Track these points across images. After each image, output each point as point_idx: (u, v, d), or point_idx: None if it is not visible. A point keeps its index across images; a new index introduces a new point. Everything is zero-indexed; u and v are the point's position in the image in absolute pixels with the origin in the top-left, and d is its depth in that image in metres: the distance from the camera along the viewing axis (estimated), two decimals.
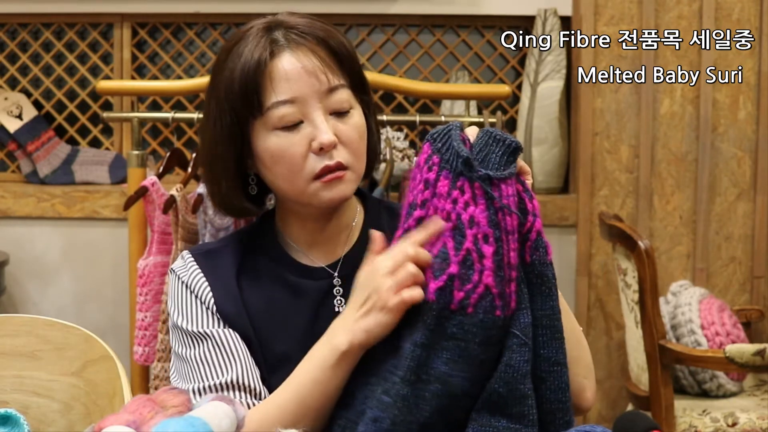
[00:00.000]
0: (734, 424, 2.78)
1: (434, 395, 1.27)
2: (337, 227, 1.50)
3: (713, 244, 3.44)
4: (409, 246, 1.30)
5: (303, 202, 1.44)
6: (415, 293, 1.28)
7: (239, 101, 1.41)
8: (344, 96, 1.43)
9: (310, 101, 1.40)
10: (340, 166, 1.41)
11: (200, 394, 1.40)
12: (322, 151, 1.40)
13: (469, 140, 1.32)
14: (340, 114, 1.43)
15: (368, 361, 1.33)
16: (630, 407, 3.06)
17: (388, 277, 1.29)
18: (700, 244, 3.43)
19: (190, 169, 2.55)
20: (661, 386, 2.77)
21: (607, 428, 1.21)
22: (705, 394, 2.96)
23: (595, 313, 3.46)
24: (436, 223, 1.29)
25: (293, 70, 1.40)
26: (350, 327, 1.32)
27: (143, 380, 2.68)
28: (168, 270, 1.55)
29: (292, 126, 1.41)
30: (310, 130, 1.41)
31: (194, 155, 2.59)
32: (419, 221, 1.31)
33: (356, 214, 1.52)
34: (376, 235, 1.36)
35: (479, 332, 1.26)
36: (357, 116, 1.45)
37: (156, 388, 2.51)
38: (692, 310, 2.98)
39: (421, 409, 1.27)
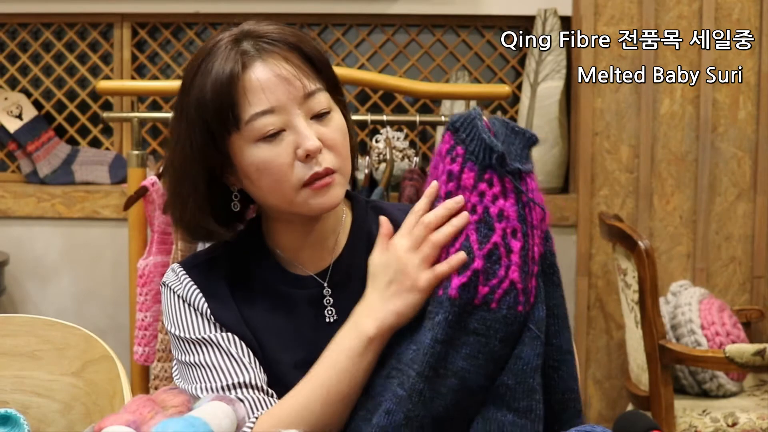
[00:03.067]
0: (734, 424, 2.78)
1: (450, 390, 1.26)
2: (323, 232, 1.47)
3: (713, 244, 3.44)
4: (426, 218, 1.29)
5: (293, 212, 1.42)
6: (447, 267, 1.27)
7: (213, 118, 1.37)
8: (323, 99, 1.40)
9: (289, 109, 1.37)
10: (329, 171, 1.38)
11: (210, 393, 1.38)
12: (309, 158, 1.37)
13: (492, 130, 1.30)
14: (320, 118, 1.40)
15: (389, 352, 1.32)
16: (630, 407, 3.06)
17: (413, 254, 1.28)
18: (700, 244, 3.43)
19: None
20: (661, 386, 2.77)
21: (607, 428, 1.21)
22: (705, 394, 2.96)
23: (595, 313, 3.46)
24: (457, 201, 1.28)
25: (268, 80, 1.37)
26: (378, 311, 1.30)
27: (143, 380, 2.69)
28: (160, 284, 1.51)
29: (274, 136, 1.37)
30: (293, 137, 1.37)
31: (165, 159, 2.58)
32: None
33: (343, 216, 1.49)
34: (383, 220, 1.35)
35: (501, 328, 1.25)
36: (338, 118, 1.42)
37: (156, 388, 2.51)
38: (692, 310, 2.98)
39: (436, 404, 1.26)
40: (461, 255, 1.27)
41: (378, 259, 1.33)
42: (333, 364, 1.32)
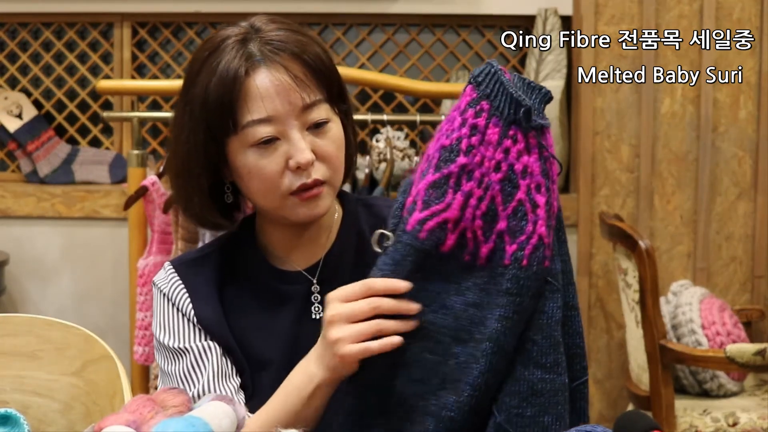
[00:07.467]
0: (735, 424, 2.78)
1: (484, 354, 1.25)
2: (317, 231, 1.48)
3: (714, 244, 3.44)
4: (378, 303, 1.24)
5: (280, 215, 1.43)
6: (378, 347, 1.23)
7: (214, 119, 1.39)
8: (321, 111, 1.40)
9: (286, 119, 1.38)
10: (318, 183, 1.39)
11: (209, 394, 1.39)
12: (299, 169, 1.38)
13: (513, 83, 1.28)
14: (317, 128, 1.40)
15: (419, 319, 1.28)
16: (630, 407, 3.06)
17: (345, 327, 1.25)
18: (701, 243, 3.43)
19: None
20: (661, 386, 2.77)
21: (607, 428, 1.21)
22: (706, 394, 2.96)
23: (595, 313, 3.46)
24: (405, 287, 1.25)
25: (268, 89, 1.37)
26: (327, 359, 1.29)
27: (143, 380, 2.69)
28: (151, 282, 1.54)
29: (268, 143, 1.38)
30: (286, 147, 1.38)
31: (165, 158, 2.58)
32: (463, 168, 1.26)
33: (335, 214, 1.51)
34: None
35: (533, 285, 1.24)
36: (335, 129, 1.42)
37: (156, 388, 2.51)
38: (693, 310, 2.98)
39: (472, 368, 1.25)
40: (395, 340, 1.24)
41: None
42: (283, 402, 1.32)
